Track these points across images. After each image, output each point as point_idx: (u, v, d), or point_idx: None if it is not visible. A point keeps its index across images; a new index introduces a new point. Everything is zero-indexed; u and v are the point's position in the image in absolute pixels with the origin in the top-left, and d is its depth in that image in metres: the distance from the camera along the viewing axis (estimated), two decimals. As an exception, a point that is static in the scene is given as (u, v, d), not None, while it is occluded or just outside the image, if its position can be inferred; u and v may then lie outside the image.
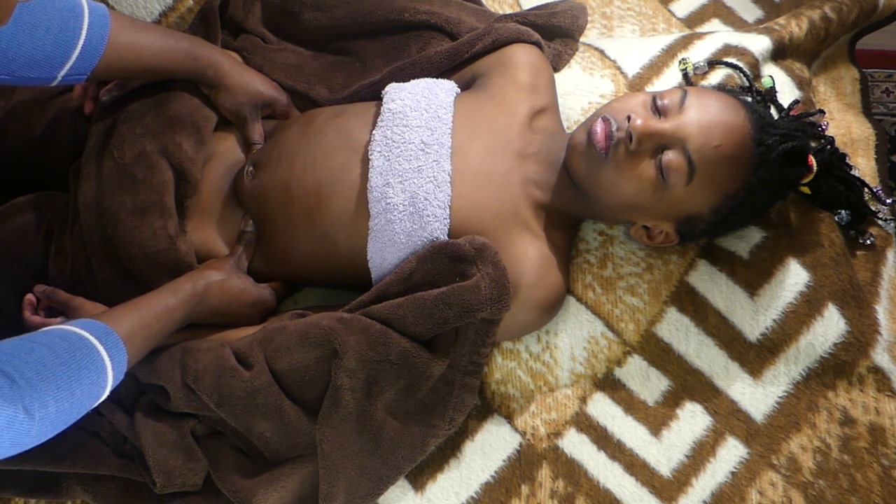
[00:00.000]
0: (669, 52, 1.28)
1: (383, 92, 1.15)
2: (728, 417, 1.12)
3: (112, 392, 0.93)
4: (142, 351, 0.98)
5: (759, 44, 1.28)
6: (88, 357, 0.87)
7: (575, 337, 1.14)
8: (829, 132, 1.23)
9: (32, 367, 0.81)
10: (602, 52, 1.30)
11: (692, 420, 1.13)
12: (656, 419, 1.13)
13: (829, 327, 1.13)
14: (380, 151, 1.07)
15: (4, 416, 0.77)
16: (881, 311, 1.17)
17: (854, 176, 1.19)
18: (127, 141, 1.13)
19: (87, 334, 0.89)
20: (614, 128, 1.02)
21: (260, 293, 1.13)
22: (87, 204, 1.11)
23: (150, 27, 1.12)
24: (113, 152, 1.12)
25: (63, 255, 1.12)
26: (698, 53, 1.27)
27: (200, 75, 1.16)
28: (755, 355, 1.14)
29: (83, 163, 1.15)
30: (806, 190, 1.16)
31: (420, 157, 1.06)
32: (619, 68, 1.27)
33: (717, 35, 1.31)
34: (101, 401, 0.90)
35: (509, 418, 1.14)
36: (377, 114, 1.12)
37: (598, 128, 1.02)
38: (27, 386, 0.79)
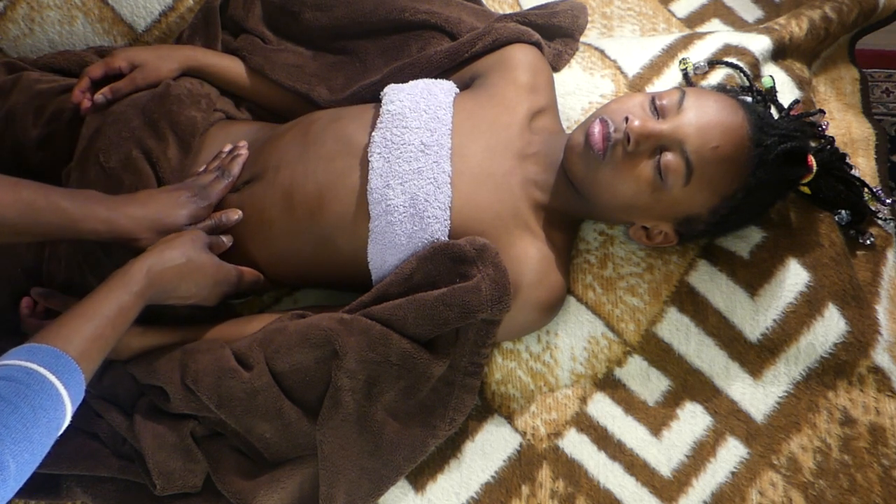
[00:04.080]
0: (670, 52, 1.28)
1: (382, 93, 1.14)
2: (728, 417, 1.12)
3: (109, 395, 0.90)
4: (97, 363, 0.90)
5: (759, 44, 1.28)
6: (41, 393, 0.78)
7: (575, 337, 1.14)
8: (829, 132, 1.23)
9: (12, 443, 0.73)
10: (602, 52, 1.30)
11: (692, 420, 1.13)
12: (656, 419, 1.13)
13: (830, 327, 1.13)
14: (379, 153, 1.07)
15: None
16: (881, 311, 1.17)
17: (854, 176, 1.19)
18: (113, 145, 1.13)
19: (35, 366, 0.80)
20: (612, 129, 1.02)
21: (225, 275, 1.06)
22: None
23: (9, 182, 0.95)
24: (99, 156, 1.12)
25: (57, 259, 1.12)
26: (698, 53, 1.27)
27: (91, 235, 1.01)
28: (755, 355, 1.14)
29: (72, 167, 1.15)
30: (806, 190, 1.16)
31: (420, 159, 1.06)
32: (619, 68, 1.27)
33: (718, 35, 1.31)
34: (60, 433, 0.82)
35: (509, 418, 1.14)
36: (376, 115, 1.12)
37: (596, 129, 1.02)
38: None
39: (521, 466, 1.12)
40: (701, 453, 1.11)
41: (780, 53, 1.31)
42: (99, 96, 1.18)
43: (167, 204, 1.06)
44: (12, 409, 0.75)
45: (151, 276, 0.96)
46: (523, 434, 1.13)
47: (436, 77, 1.20)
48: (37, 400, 0.77)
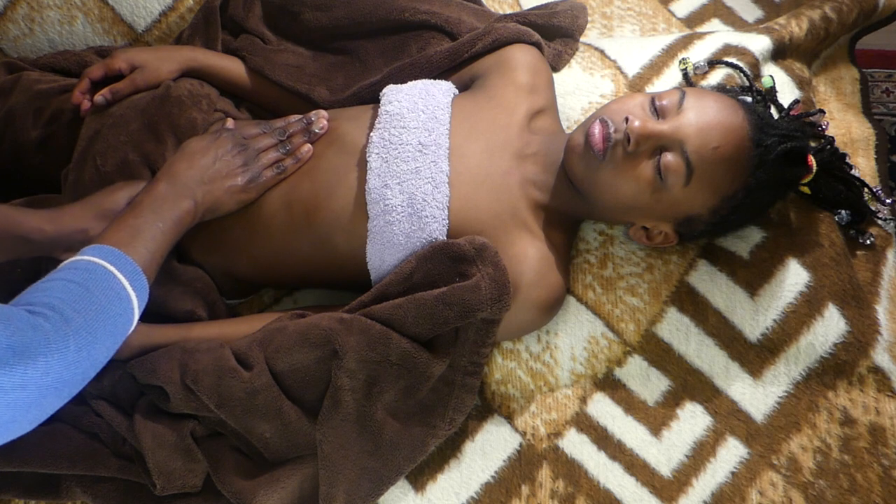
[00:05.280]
0: (669, 52, 1.28)
1: (381, 94, 1.14)
2: (728, 417, 1.12)
3: (109, 395, 0.91)
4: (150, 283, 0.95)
5: (759, 43, 1.28)
6: (118, 299, 0.86)
7: (575, 337, 1.14)
8: (829, 132, 1.23)
9: (69, 304, 0.79)
10: (602, 51, 1.30)
11: (692, 420, 1.13)
12: (656, 419, 1.13)
13: (830, 327, 1.13)
14: (377, 153, 1.07)
15: (57, 350, 0.75)
16: (881, 311, 1.17)
17: (854, 176, 1.19)
18: (110, 149, 1.13)
19: (116, 271, 0.87)
20: (612, 129, 1.02)
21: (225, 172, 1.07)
22: None
23: None
24: (96, 159, 1.12)
25: (56, 259, 1.12)
26: (698, 53, 1.27)
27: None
28: (755, 355, 1.13)
29: (70, 168, 1.14)
30: (806, 190, 1.16)
31: (418, 159, 1.06)
32: (619, 68, 1.27)
33: (718, 35, 1.31)
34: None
35: (509, 418, 1.14)
36: (374, 116, 1.12)
37: (596, 129, 1.02)
38: (66, 322, 0.77)
39: (521, 466, 1.12)
40: (701, 453, 1.11)
41: (780, 53, 1.31)
42: (99, 98, 1.18)
43: (106, 191, 1.09)
44: (88, 296, 0.82)
45: (194, 191, 1.03)
46: (523, 434, 1.13)
47: (436, 77, 1.20)
48: (112, 303, 0.85)
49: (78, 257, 0.88)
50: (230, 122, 1.16)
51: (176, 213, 1.01)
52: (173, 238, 1.01)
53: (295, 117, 1.15)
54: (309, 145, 1.13)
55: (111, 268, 0.87)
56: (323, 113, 1.15)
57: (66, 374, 0.77)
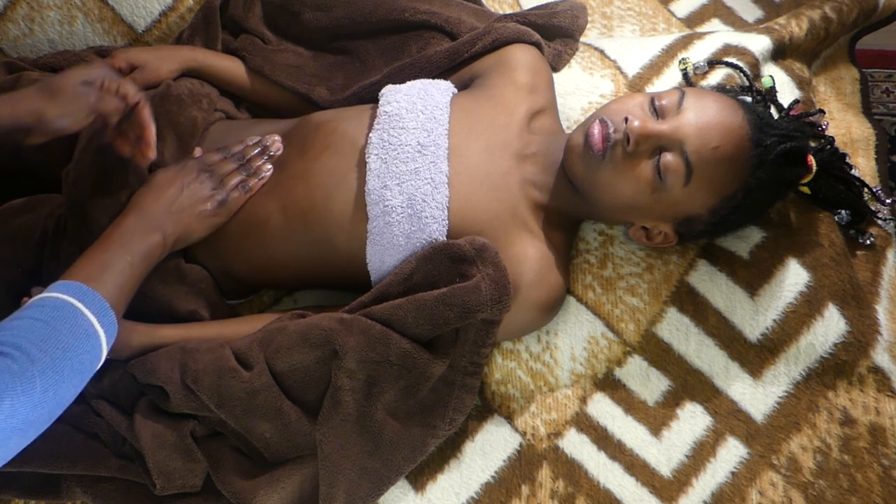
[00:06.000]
0: (669, 52, 1.28)
1: (380, 94, 1.15)
2: (728, 417, 1.12)
3: (109, 395, 0.91)
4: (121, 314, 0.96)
5: (759, 43, 1.28)
6: (85, 337, 0.86)
7: (575, 337, 1.14)
8: (829, 132, 1.23)
9: (36, 343, 0.80)
10: (602, 51, 1.30)
11: (692, 420, 1.13)
12: (656, 419, 1.13)
13: (830, 327, 1.13)
14: (376, 154, 1.07)
15: (23, 391, 0.76)
16: (881, 311, 1.17)
17: (854, 176, 1.19)
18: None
19: (82, 307, 0.88)
20: (611, 129, 1.02)
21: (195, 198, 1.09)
22: (75, 210, 1.11)
23: None
24: (98, 157, 1.12)
25: (56, 259, 1.12)
26: (698, 53, 1.27)
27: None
28: (755, 355, 1.13)
29: (71, 167, 1.14)
30: (806, 190, 1.16)
31: (417, 159, 1.06)
32: (619, 68, 1.27)
33: (717, 35, 1.31)
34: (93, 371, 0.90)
35: (509, 418, 1.14)
36: (373, 116, 1.12)
37: (596, 130, 1.02)
38: (32, 363, 0.78)
39: (521, 466, 1.12)
40: (701, 453, 1.11)
41: (780, 53, 1.31)
42: None
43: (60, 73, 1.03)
44: (55, 335, 0.83)
45: (165, 238, 1.04)
46: (523, 434, 1.13)
47: (436, 77, 1.20)
48: (78, 340, 0.85)
49: (46, 294, 0.89)
50: (198, 152, 1.16)
51: (145, 246, 1.02)
52: (143, 271, 1.02)
53: (251, 140, 1.15)
54: (270, 165, 1.14)
55: (79, 305, 0.88)
56: (276, 137, 1.16)
57: (32, 415, 0.78)
